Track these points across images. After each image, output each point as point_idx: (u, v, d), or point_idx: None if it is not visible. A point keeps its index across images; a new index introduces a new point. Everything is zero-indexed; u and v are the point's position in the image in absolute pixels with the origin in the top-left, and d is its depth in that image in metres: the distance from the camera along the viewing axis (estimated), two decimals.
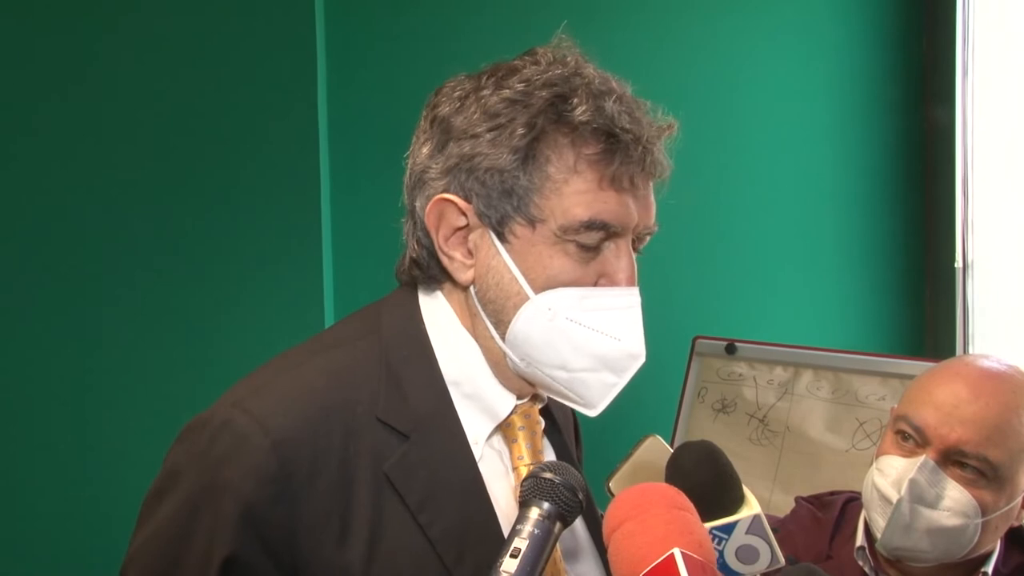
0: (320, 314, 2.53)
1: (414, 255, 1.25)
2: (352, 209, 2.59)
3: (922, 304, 2.75)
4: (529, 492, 1.07)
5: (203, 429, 1.15)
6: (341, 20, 2.59)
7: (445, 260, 1.22)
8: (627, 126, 1.15)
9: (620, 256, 1.19)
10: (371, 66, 2.62)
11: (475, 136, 1.18)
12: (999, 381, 1.54)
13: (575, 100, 1.16)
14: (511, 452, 1.25)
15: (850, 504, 1.71)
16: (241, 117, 2.52)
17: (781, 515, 1.79)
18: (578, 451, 1.45)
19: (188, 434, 1.18)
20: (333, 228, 2.58)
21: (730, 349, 2.50)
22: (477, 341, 1.23)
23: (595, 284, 1.19)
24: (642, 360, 1.21)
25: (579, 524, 1.27)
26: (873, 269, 2.75)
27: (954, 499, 1.49)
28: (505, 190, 1.17)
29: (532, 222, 1.17)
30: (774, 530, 1.17)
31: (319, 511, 1.12)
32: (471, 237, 1.21)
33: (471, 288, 1.22)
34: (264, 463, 1.11)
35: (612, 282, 1.19)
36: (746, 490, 1.18)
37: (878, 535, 1.54)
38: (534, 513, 1.05)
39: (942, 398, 1.52)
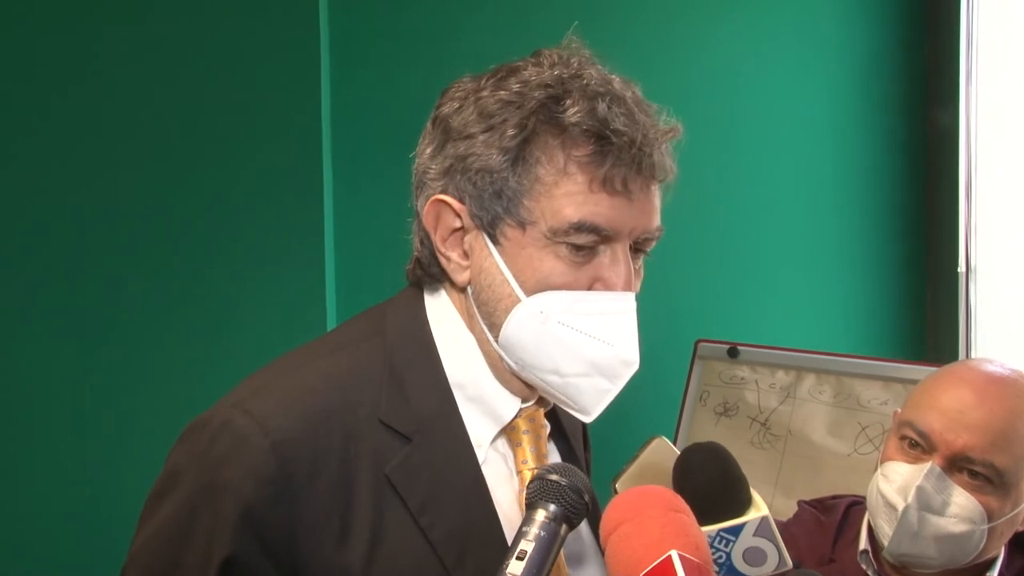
0: (322, 314, 2.53)
1: (418, 255, 1.25)
2: (354, 209, 2.59)
3: (924, 308, 2.75)
4: (535, 494, 1.06)
5: (203, 429, 1.15)
6: (344, 20, 2.59)
7: (443, 261, 1.22)
8: (620, 128, 1.14)
9: (615, 261, 1.17)
10: (374, 66, 2.62)
11: (470, 136, 1.17)
12: (1004, 386, 1.53)
13: (568, 101, 1.15)
14: (515, 456, 1.24)
15: (853, 508, 1.71)
16: (244, 117, 2.52)
17: (783, 519, 1.78)
18: (587, 454, 1.45)
19: (189, 434, 1.18)
20: (335, 228, 2.58)
21: (732, 353, 2.49)
22: (477, 343, 1.23)
23: (589, 289, 1.17)
24: (635, 367, 1.19)
25: (584, 527, 1.26)
26: (875, 273, 2.75)
27: (961, 505, 1.48)
28: (495, 191, 1.16)
29: (522, 224, 1.16)
30: None
31: (319, 512, 1.12)
32: (467, 238, 1.20)
33: (468, 289, 1.22)
34: (264, 464, 1.10)
35: (607, 287, 1.17)
36: (754, 492, 1.18)
37: (885, 541, 1.54)
38: (540, 515, 1.05)
39: (947, 403, 1.52)
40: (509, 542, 1.07)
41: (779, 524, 1.70)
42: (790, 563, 1.15)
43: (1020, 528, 1.56)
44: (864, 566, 1.61)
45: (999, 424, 1.49)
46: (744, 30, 2.70)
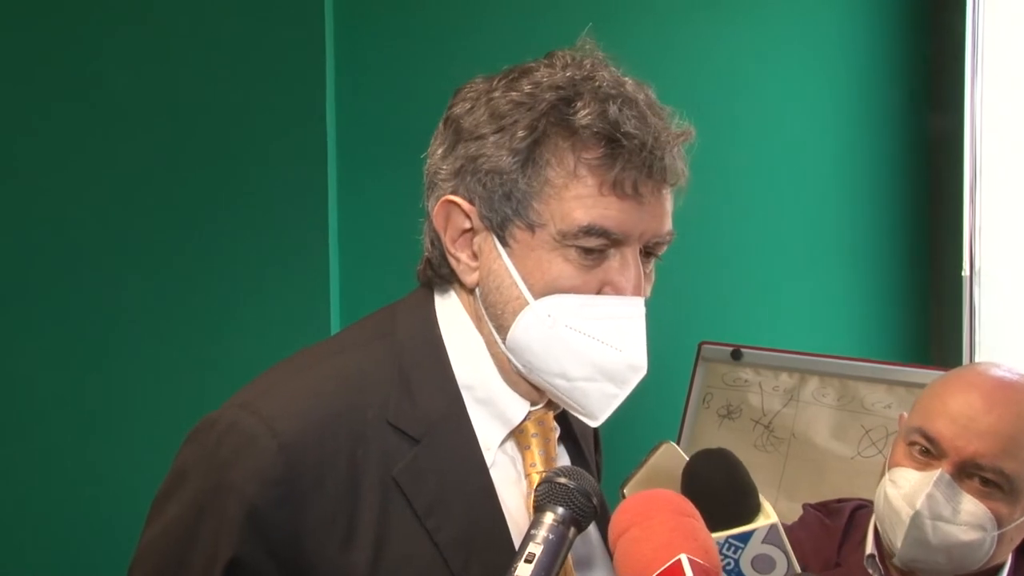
0: (326, 316, 2.53)
1: (429, 255, 1.25)
2: (359, 211, 2.59)
3: (928, 311, 2.74)
4: (544, 497, 1.06)
5: (211, 430, 1.15)
6: (349, 22, 2.59)
7: (452, 262, 1.21)
8: (631, 130, 1.13)
9: (625, 265, 1.16)
10: (378, 67, 2.62)
11: (480, 137, 1.17)
12: (1013, 391, 1.53)
13: (579, 103, 1.14)
14: (523, 459, 1.23)
15: (859, 512, 1.70)
16: (248, 118, 2.52)
17: (787, 522, 1.78)
18: (597, 457, 1.44)
19: (196, 435, 1.17)
20: (340, 230, 2.58)
21: (736, 355, 2.49)
22: (486, 345, 1.22)
23: (598, 293, 1.17)
24: (643, 372, 1.18)
25: (593, 531, 1.26)
26: (880, 275, 2.74)
27: (971, 512, 1.48)
28: (505, 193, 1.16)
29: (531, 226, 1.15)
30: None
31: (325, 514, 1.12)
32: (476, 240, 1.20)
33: (476, 291, 1.21)
34: (270, 465, 1.10)
35: (616, 291, 1.16)
36: (763, 499, 1.17)
37: (894, 548, 1.53)
38: (548, 518, 1.05)
39: (957, 409, 1.51)
40: (516, 545, 1.07)
41: (784, 528, 1.70)
42: (799, 570, 1.15)
43: None
44: (871, 570, 1.60)
45: (1009, 430, 1.48)
46: (748, 33, 2.69)
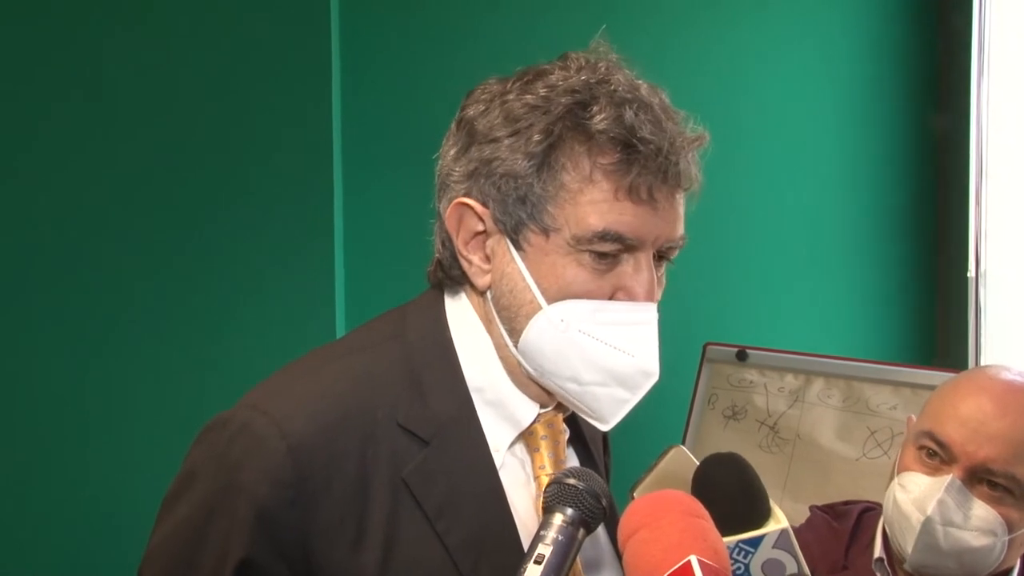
0: (331, 315, 2.53)
1: (439, 257, 1.24)
2: (364, 210, 2.58)
3: (934, 312, 2.74)
4: (553, 498, 1.06)
5: (222, 430, 1.15)
6: (355, 22, 2.58)
7: (464, 264, 1.21)
8: (647, 136, 1.12)
9: (639, 270, 1.16)
10: (384, 67, 2.61)
11: (495, 140, 1.16)
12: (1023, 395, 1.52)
13: (595, 108, 1.13)
14: (533, 461, 1.23)
15: (866, 514, 1.70)
16: (254, 119, 2.52)
17: (794, 524, 1.77)
18: (606, 459, 1.44)
19: (207, 435, 1.17)
20: (345, 229, 2.58)
21: (741, 356, 2.48)
22: (495, 347, 1.22)
23: (611, 297, 1.16)
24: (655, 378, 1.18)
25: (601, 533, 1.26)
26: (885, 276, 2.74)
27: (981, 518, 1.47)
28: (519, 197, 1.15)
29: (546, 231, 1.15)
30: None
31: (335, 515, 1.11)
32: (489, 242, 1.20)
33: (488, 293, 1.21)
34: (280, 466, 1.10)
35: (629, 296, 1.16)
36: (773, 504, 1.17)
37: (905, 553, 1.53)
38: (558, 519, 1.04)
39: (967, 414, 1.50)
40: (525, 548, 1.07)
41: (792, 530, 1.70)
42: (809, 575, 1.14)
43: None
44: (879, 574, 1.60)
45: (1020, 435, 1.47)
46: (752, 34, 2.69)
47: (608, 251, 1.14)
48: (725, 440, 2.41)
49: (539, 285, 1.16)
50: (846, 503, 1.77)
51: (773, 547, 1.13)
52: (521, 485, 1.22)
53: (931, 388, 1.69)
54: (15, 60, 2.51)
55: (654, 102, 1.16)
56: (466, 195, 1.19)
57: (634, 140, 1.12)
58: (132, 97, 2.52)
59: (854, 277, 2.74)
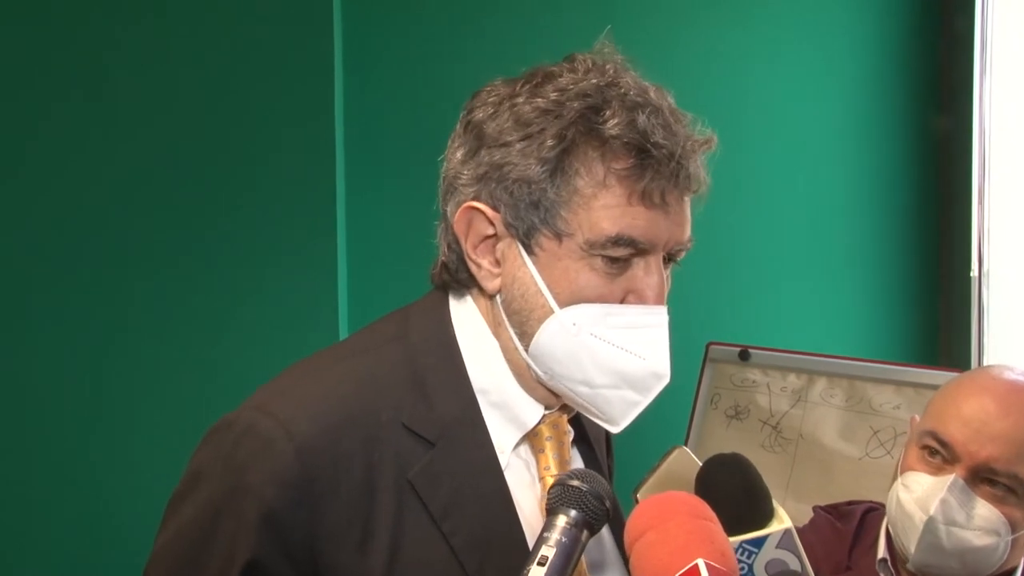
0: (334, 316, 2.52)
1: (445, 259, 1.24)
2: (367, 211, 2.58)
3: (937, 312, 2.74)
4: (556, 500, 1.06)
5: (228, 432, 1.15)
6: (358, 21, 2.58)
7: (473, 267, 1.21)
8: (660, 140, 1.13)
9: (649, 273, 1.17)
10: (387, 67, 2.61)
11: (506, 144, 1.16)
12: None
13: (607, 112, 1.13)
14: (538, 462, 1.23)
15: (870, 514, 1.70)
16: (256, 120, 2.52)
17: (798, 525, 1.77)
18: (609, 460, 1.44)
19: (213, 436, 1.18)
20: (348, 229, 2.58)
21: (743, 355, 2.48)
22: (502, 350, 1.22)
23: (622, 301, 1.17)
24: (666, 380, 1.19)
25: (606, 535, 1.26)
26: (888, 276, 2.74)
27: (984, 517, 1.47)
28: (532, 202, 1.15)
29: (559, 235, 1.15)
30: None
31: (341, 517, 1.12)
32: (499, 246, 1.19)
33: (497, 297, 1.21)
34: (287, 468, 1.10)
35: (640, 299, 1.17)
36: (776, 504, 1.17)
37: (908, 553, 1.53)
38: (561, 521, 1.04)
39: (970, 413, 1.50)
40: (531, 549, 1.07)
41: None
42: (812, 575, 1.14)
43: None
44: (882, 574, 1.60)
45: (1023, 435, 1.47)
46: (755, 35, 2.69)
47: (620, 255, 1.15)
48: (728, 440, 2.41)
49: (551, 289, 1.16)
50: (850, 503, 1.77)
51: (776, 547, 1.13)
52: (526, 486, 1.22)
53: (934, 388, 1.69)
54: (16, 60, 2.51)
55: (664, 105, 1.17)
56: (475, 199, 1.18)
57: (648, 145, 1.12)
58: (134, 97, 2.52)
59: (856, 277, 2.74)
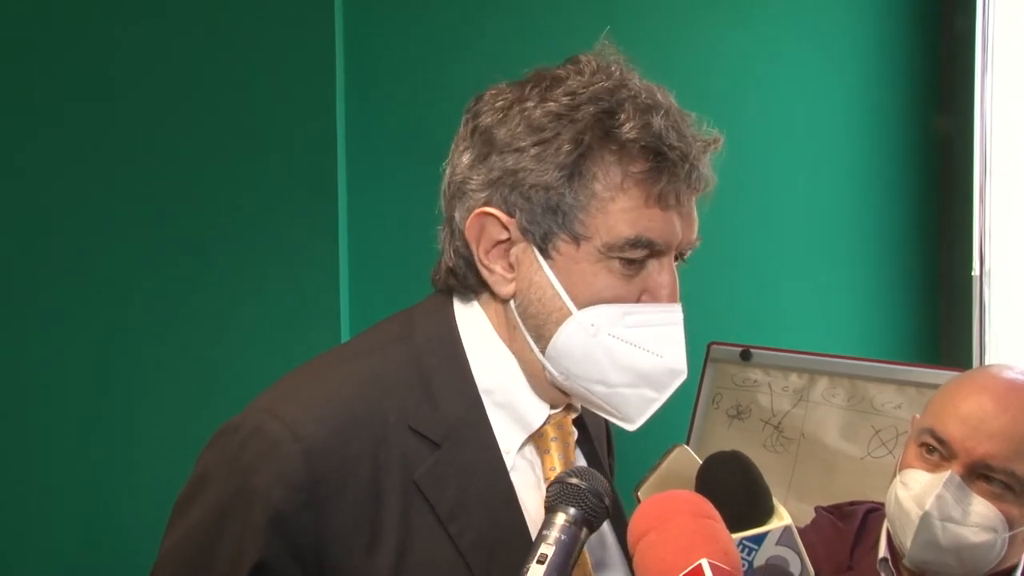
0: (336, 318, 2.52)
1: (451, 264, 1.23)
2: (368, 213, 2.58)
3: (938, 311, 2.74)
4: (555, 498, 1.06)
5: (234, 434, 1.15)
6: (359, 21, 2.59)
7: (485, 273, 1.20)
8: (675, 143, 1.14)
9: (663, 272, 1.18)
10: (388, 67, 2.61)
11: (519, 150, 1.16)
12: None
13: (622, 116, 1.14)
14: (543, 463, 1.23)
15: (871, 514, 1.70)
16: (257, 121, 2.52)
17: (799, 524, 1.77)
18: (610, 460, 1.44)
19: (218, 440, 1.18)
20: (349, 230, 2.58)
21: (745, 355, 2.48)
22: (514, 353, 1.22)
23: (637, 300, 1.18)
24: (683, 376, 1.20)
25: (609, 534, 1.27)
26: (890, 275, 2.74)
27: (981, 514, 1.48)
28: (550, 207, 1.15)
29: (577, 239, 1.16)
30: None
31: (348, 519, 1.12)
32: (513, 251, 1.19)
33: (511, 302, 1.21)
34: (294, 470, 1.10)
35: (654, 298, 1.18)
36: (776, 501, 1.17)
37: (905, 549, 1.53)
38: (560, 519, 1.04)
39: (968, 411, 1.51)
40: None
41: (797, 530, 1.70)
42: (812, 572, 1.15)
43: None
44: (883, 574, 1.60)
45: (1020, 432, 1.48)
46: (756, 34, 2.69)
47: (637, 257, 1.16)
48: (729, 440, 2.41)
49: (569, 292, 1.16)
50: (851, 504, 1.77)
51: (776, 544, 1.14)
52: (532, 486, 1.22)
53: (935, 387, 1.70)
54: (17, 60, 2.52)
55: (672, 106, 1.18)
56: (487, 204, 1.18)
57: (664, 148, 1.13)
58: (135, 98, 2.52)
59: (858, 276, 2.74)
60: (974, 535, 1.47)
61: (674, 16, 2.67)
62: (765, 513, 1.15)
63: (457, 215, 1.21)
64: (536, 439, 1.24)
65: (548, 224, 1.16)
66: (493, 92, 1.21)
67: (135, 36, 2.52)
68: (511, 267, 1.20)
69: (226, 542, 1.11)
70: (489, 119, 1.19)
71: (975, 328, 2.64)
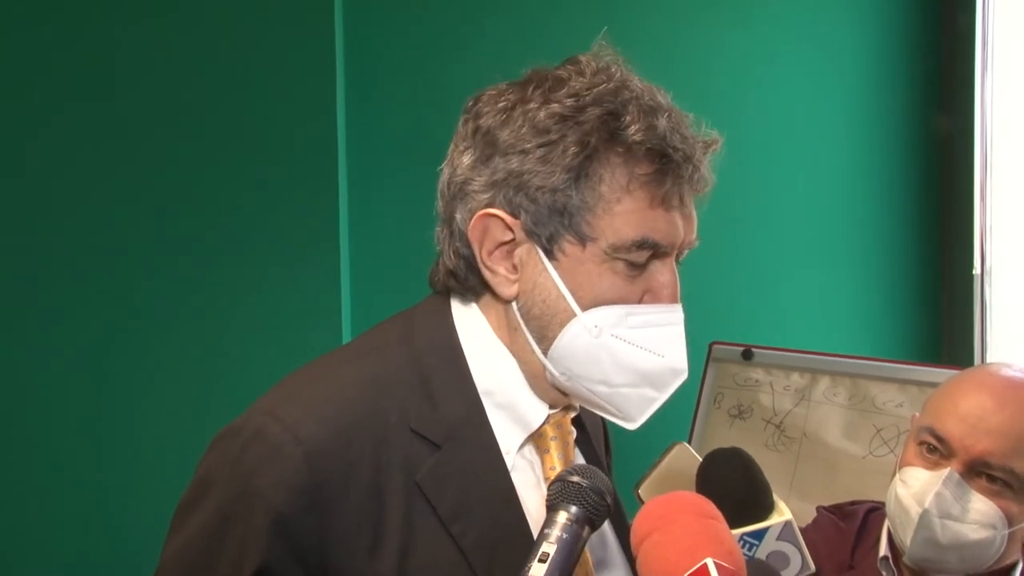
0: (337, 318, 2.52)
1: (450, 265, 1.23)
2: (369, 213, 2.59)
3: (940, 310, 2.74)
4: (556, 496, 1.06)
5: (236, 437, 1.15)
6: (359, 24, 2.59)
7: (488, 274, 1.20)
8: (678, 145, 1.15)
9: (665, 272, 1.18)
10: (389, 67, 2.61)
11: (524, 152, 1.16)
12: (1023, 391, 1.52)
13: (627, 118, 1.14)
14: (543, 462, 1.23)
15: (872, 514, 1.70)
16: (259, 120, 2.52)
17: (801, 524, 1.77)
18: (608, 459, 1.44)
19: (220, 443, 1.17)
20: (351, 232, 2.58)
21: (747, 355, 2.48)
22: (514, 354, 1.22)
23: (640, 301, 1.18)
24: (684, 376, 1.21)
25: (610, 534, 1.27)
26: (891, 274, 2.74)
27: (980, 511, 1.48)
28: (556, 208, 1.15)
29: (583, 240, 1.16)
30: None
31: (351, 521, 1.12)
32: (517, 252, 1.19)
33: (513, 303, 1.20)
34: (296, 473, 1.10)
35: (656, 298, 1.18)
36: (776, 497, 1.17)
37: (904, 547, 1.53)
38: (562, 517, 1.04)
39: (967, 409, 1.51)
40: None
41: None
42: (813, 567, 1.15)
43: None
44: (884, 573, 1.60)
45: (1019, 429, 1.48)
46: (757, 34, 2.69)
47: (642, 259, 1.16)
48: (731, 439, 2.41)
49: (574, 294, 1.17)
50: (852, 503, 1.77)
51: (777, 539, 1.14)
52: (532, 486, 1.22)
53: (936, 385, 1.70)
54: (18, 60, 2.52)
55: (672, 107, 1.18)
56: (490, 205, 1.18)
57: (668, 149, 1.14)
58: (135, 98, 2.52)
59: (859, 275, 2.74)
60: (973, 532, 1.48)
61: (674, 16, 2.67)
62: (765, 509, 1.16)
63: (458, 216, 1.21)
64: (536, 439, 1.24)
65: (554, 226, 1.16)
66: (493, 93, 1.21)
67: (135, 36, 2.52)
68: (514, 268, 1.19)
69: (228, 545, 1.11)
70: (491, 120, 1.19)
71: (976, 327, 2.64)
